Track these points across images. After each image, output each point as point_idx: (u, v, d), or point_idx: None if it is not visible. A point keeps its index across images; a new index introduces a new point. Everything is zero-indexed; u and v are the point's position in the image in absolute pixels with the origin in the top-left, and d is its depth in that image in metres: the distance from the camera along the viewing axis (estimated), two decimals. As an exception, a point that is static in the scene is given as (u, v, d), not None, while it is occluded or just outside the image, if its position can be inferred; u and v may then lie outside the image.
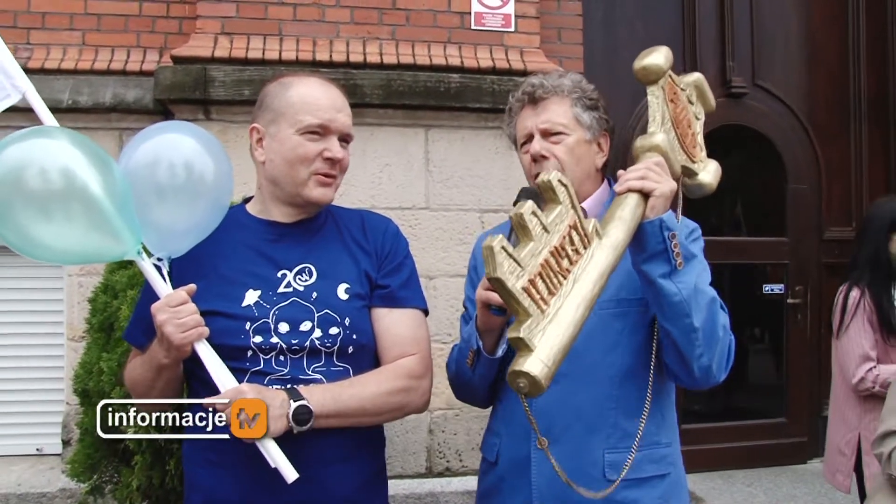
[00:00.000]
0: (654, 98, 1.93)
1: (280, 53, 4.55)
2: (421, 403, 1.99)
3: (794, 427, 5.71)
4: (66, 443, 4.50)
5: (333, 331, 1.88)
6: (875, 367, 3.66)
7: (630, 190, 1.76)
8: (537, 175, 1.95)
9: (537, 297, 1.48)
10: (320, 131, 1.93)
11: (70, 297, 4.67)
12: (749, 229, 6.18)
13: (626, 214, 1.72)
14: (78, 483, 3.40)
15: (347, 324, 1.90)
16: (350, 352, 1.90)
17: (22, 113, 2.03)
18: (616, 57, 5.60)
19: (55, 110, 1.94)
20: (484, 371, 1.97)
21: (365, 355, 1.95)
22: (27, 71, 1.99)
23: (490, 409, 2.18)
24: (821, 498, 4.99)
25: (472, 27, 4.85)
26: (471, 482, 4.46)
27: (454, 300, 4.56)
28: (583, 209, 1.67)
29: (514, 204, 1.86)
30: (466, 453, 4.60)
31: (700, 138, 2.10)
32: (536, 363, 1.43)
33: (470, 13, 4.85)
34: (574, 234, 1.60)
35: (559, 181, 1.59)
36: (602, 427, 1.90)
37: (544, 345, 1.46)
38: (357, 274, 1.97)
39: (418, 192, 4.65)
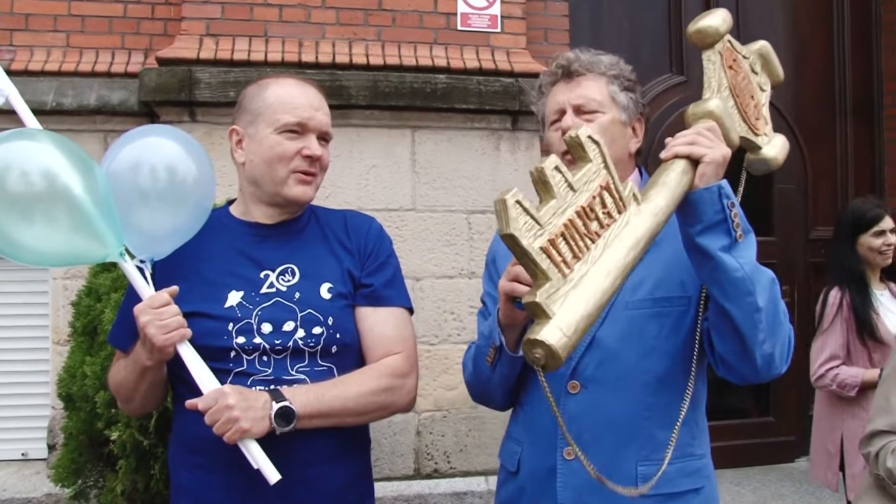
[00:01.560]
0: (710, 63, 1.78)
1: (266, 55, 4.54)
2: (406, 402, 1.98)
3: (782, 426, 5.73)
4: (51, 447, 4.47)
5: (317, 330, 1.87)
6: (837, 366, 3.68)
7: (677, 156, 1.60)
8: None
9: (558, 259, 1.33)
10: (298, 130, 1.93)
11: (55, 300, 4.65)
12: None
13: (670, 180, 1.56)
14: (63, 488, 3.37)
15: (331, 323, 1.89)
16: (334, 351, 1.89)
17: (3, 115, 2.01)
18: (603, 58, 5.59)
19: (39, 112, 1.94)
20: (506, 370, 1.85)
21: (349, 355, 1.94)
22: (10, 73, 1.99)
23: (509, 412, 2.06)
24: (808, 497, 5.00)
25: (459, 28, 4.85)
26: (459, 484, 4.45)
27: (441, 301, 4.55)
28: None
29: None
30: (454, 455, 4.59)
31: (765, 111, 1.92)
32: (554, 332, 1.28)
33: (456, 14, 4.84)
34: (606, 195, 1.44)
35: (589, 137, 1.44)
36: (635, 438, 1.76)
37: (565, 312, 1.31)
38: (340, 273, 1.96)
39: (405, 194, 4.64)
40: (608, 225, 1.44)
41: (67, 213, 1.71)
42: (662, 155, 1.62)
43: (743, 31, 5.86)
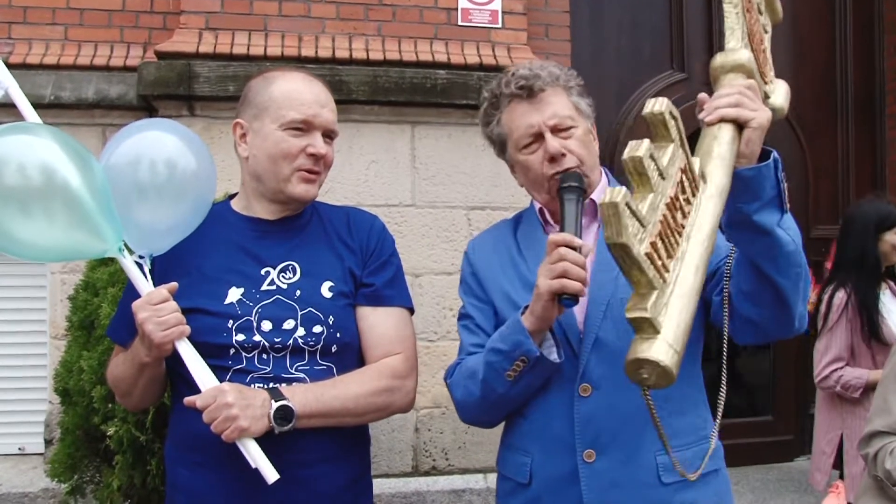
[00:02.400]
0: (732, 7, 1.62)
1: (265, 49, 4.52)
2: (405, 403, 1.97)
3: (781, 425, 5.73)
4: (48, 442, 4.45)
5: (317, 329, 1.86)
6: (841, 368, 3.67)
7: (723, 120, 1.47)
8: (553, 175, 1.84)
9: (659, 263, 1.19)
10: (304, 127, 1.90)
11: (53, 294, 4.63)
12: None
13: (723, 152, 1.43)
14: (59, 483, 3.36)
15: (331, 322, 1.87)
16: (334, 350, 1.88)
17: (2, 108, 1.99)
18: (603, 54, 5.59)
19: (37, 106, 1.92)
20: (535, 381, 1.79)
21: (349, 354, 1.92)
22: (8, 66, 1.97)
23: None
24: (807, 496, 4.99)
25: (459, 23, 4.83)
26: (457, 481, 4.44)
27: (440, 298, 4.53)
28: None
29: (559, 192, 1.76)
30: (453, 452, 4.58)
31: (769, 55, 1.80)
32: (665, 349, 1.15)
33: (456, 9, 4.82)
34: (684, 179, 1.30)
35: (671, 113, 1.29)
36: (650, 430, 1.68)
37: (669, 323, 1.17)
38: (342, 272, 1.94)
39: (405, 189, 4.63)
40: (689, 213, 1.31)
41: (66, 207, 1.69)
42: (706, 118, 1.51)
43: (744, 29, 5.85)
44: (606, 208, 1.12)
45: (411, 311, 2.05)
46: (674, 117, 1.30)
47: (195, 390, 1.75)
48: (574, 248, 1.64)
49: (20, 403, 4.81)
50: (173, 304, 1.76)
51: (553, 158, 1.85)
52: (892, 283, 3.95)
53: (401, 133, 4.64)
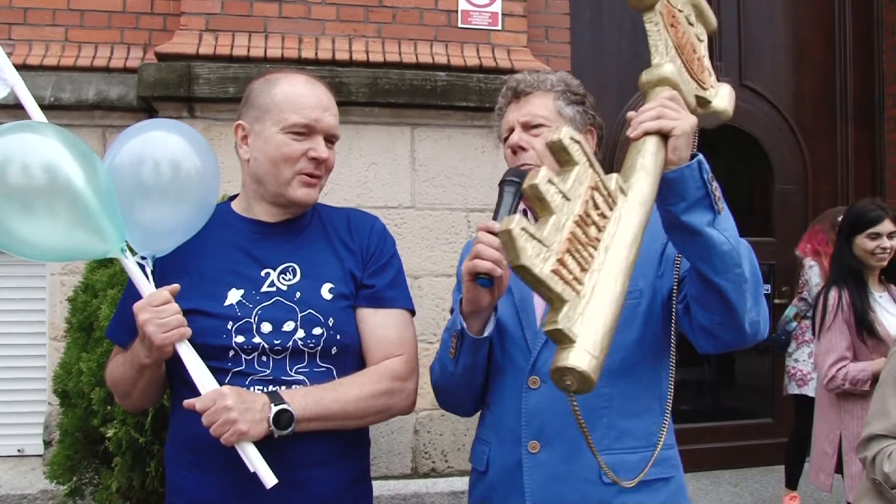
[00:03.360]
0: (653, 25, 1.70)
1: (265, 51, 4.52)
2: (406, 406, 1.95)
3: (781, 427, 5.71)
4: (47, 444, 4.46)
5: (317, 331, 1.85)
6: (845, 365, 3.66)
7: (647, 133, 1.55)
8: (519, 167, 1.91)
9: (570, 277, 1.27)
10: (306, 131, 1.89)
11: (52, 295, 4.64)
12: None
13: (647, 163, 1.51)
14: (58, 485, 3.36)
15: (331, 324, 1.86)
16: (334, 352, 1.87)
17: (5, 110, 1.99)
18: (603, 56, 5.59)
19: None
20: (468, 358, 1.86)
21: (349, 356, 1.92)
22: (9, 67, 1.96)
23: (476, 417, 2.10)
24: (807, 498, 5.00)
25: (459, 25, 4.83)
26: (456, 483, 4.44)
27: (440, 300, 4.54)
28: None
29: (500, 183, 1.81)
30: (452, 454, 4.58)
31: (707, 61, 1.88)
32: (582, 355, 1.22)
33: (457, 11, 4.83)
34: (597, 195, 1.39)
35: (571, 138, 1.37)
36: (595, 427, 1.77)
37: (586, 331, 1.25)
38: (342, 273, 1.94)
39: (404, 191, 4.63)
40: (604, 227, 1.39)
41: (68, 207, 1.68)
42: (631, 134, 1.58)
43: (744, 30, 5.87)
44: (502, 235, 1.22)
45: (412, 312, 2.04)
46: (575, 141, 1.37)
47: (195, 392, 1.74)
48: (496, 234, 1.67)
49: (19, 405, 4.82)
50: (175, 306, 1.75)
51: (514, 150, 1.97)
52: (892, 287, 3.94)
53: (400, 135, 4.65)
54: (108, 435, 3.02)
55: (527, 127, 1.96)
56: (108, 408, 3.02)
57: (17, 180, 1.65)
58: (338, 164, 2.02)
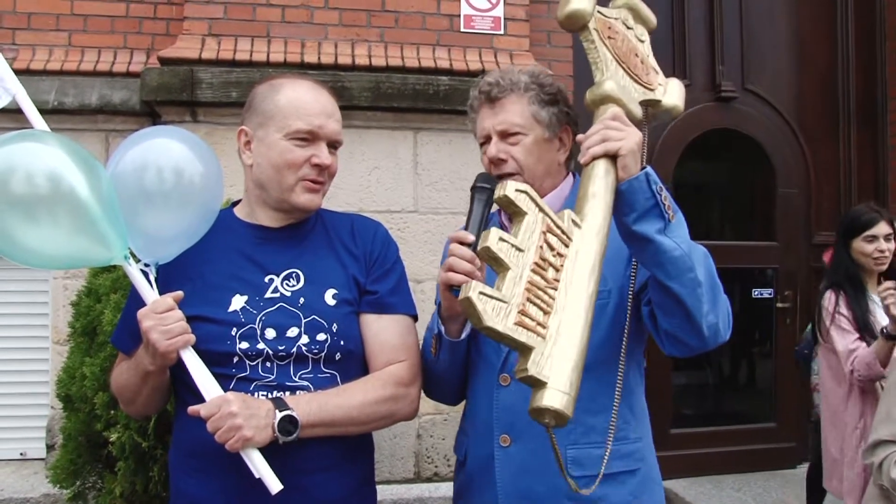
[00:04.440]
0: (589, 44, 1.77)
1: (268, 55, 4.52)
2: (410, 411, 1.96)
3: (784, 432, 5.71)
4: (50, 447, 4.46)
5: (321, 337, 1.85)
6: (855, 354, 3.66)
7: (595, 158, 1.65)
8: (497, 177, 1.96)
9: (533, 324, 1.39)
10: (309, 137, 1.89)
11: (55, 299, 4.64)
12: (738, 233, 6.19)
13: (598, 189, 1.61)
14: (61, 489, 3.36)
15: (335, 330, 1.87)
16: (337, 358, 1.87)
17: (8, 114, 1.99)
18: (606, 60, 5.57)
19: (40, 111, 1.91)
20: (447, 356, 1.95)
21: (353, 362, 1.92)
22: (12, 72, 1.96)
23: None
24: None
25: (462, 30, 4.84)
26: (459, 487, 4.43)
27: (443, 304, 4.53)
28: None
29: (472, 189, 1.86)
30: (455, 458, 4.57)
31: (651, 60, 1.95)
32: (554, 395, 1.34)
33: (459, 16, 4.83)
34: (551, 237, 1.50)
35: (516, 190, 1.48)
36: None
37: (556, 371, 1.37)
38: (345, 279, 1.94)
39: (407, 196, 4.63)
40: (562, 265, 1.49)
41: (72, 215, 1.69)
42: (581, 160, 1.68)
43: (746, 34, 5.86)
44: (462, 303, 1.35)
45: (415, 318, 2.04)
46: (521, 191, 1.48)
47: (199, 398, 1.74)
48: (468, 244, 1.75)
49: (22, 408, 4.82)
50: (178, 313, 1.75)
51: (493, 162, 2.00)
52: None
53: (403, 139, 4.65)
54: (111, 439, 3.02)
55: (504, 136, 1.99)
56: (112, 412, 3.02)
57: (21, 189, 1.65)
58: (340, 168, 2.02)
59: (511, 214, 1.52)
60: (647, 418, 2.04)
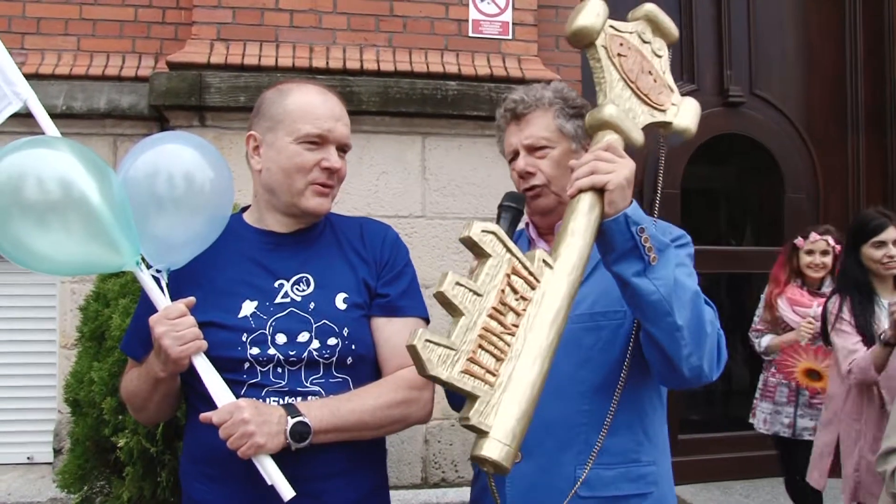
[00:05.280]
0: (595, 62, 1.70)
1: (276, 60, 4.53)
2: (423, 415, 1.94)
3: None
4: (57, 451, 4.46)
5: (332, 341, 1.84)
6: (854, 357, 3.66)
7: (581, 190, 1.59)
8: (524, 190, 1.99)
9: (481, 372, 1.35)
10: (318, 141, 1.89)
11: (63, 304, 4.64)
12: (746, 238, 6.18)
13: (578, 226, 1.55)
14: (68, 494, 3.35)
15: (346, 334, 1.86)
16: (349, 363, 1.86)
17: (18, 118, 1.99)
18: (613, 65, 5.57)
19: (49, 116, 1.91)
20: None
21: (364, 366, 1.91)
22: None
23: None
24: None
25: (470, 35, 4.84)
26: (466, 493, 4.41)
27: (451, 309, 4.52)
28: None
29: (498, 207, 1.89)
30: (462, 464, 4.57)
31: (667, 77, 1.85)
32: (494, 446, 1.31)
33: (467, 21, 4.84)
34: (515, 280, 1.43)
35: (482, 231, 1.43)
36: (573, 443, 1.84)
37: (500, 421, 1.33)
38: (355, 283, 1.93)
39: (415, 200, 4.63)
40: (524, 310, 1.43)
41: (83, 221, 1.69)
42: (568, 192, 1.63)
43: (754, 39, 5.86)
44: (408, 350, 1.32)
45: (427, 321, 2.03)
46: (488, 232, 1.43)
47: (210, 404, 1.74)
48: None
49: (29, 412, 4.83)
50: (191, 319, 1.75)
51: (521, 176, 1.99)
52: None
53: (411, 144, 4.65)
54: (119, 444, 3.01)
55: (531, 149, 1.99)
56: (120, 417, 3.01)
57: (33, 195, 1.66)
58: (348, 173, 2.02)
59: (476, 256, 1.48)
60: (665, 444, 2.00)
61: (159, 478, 3.02)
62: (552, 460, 1.84)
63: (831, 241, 4.60)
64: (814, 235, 4.63)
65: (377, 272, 1.97)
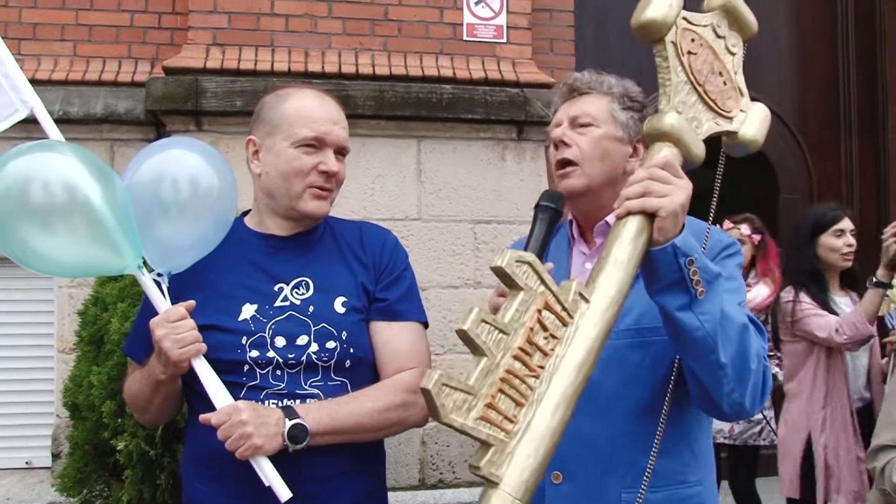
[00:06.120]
0: (662, 61, 1.51)
1: (272, 64, 4.55)
2: (421, 418, 1.94)
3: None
4: (55, 456, 4.47)
5: (330, 345, 1.86)
6: (839, 321, 3.63)
7: (630, 212, 1.43)
8: (560, 161, 1.84)
9: (499, 419, 1.24)
10: (316, 144, 1.90)
11: (61, 308, 4.65)
12: (741, 239, 6.20)
13: (622, 255, 1.40)
14: (67, 497, 3.37)
15: (344, 338, 1.87)
16: (347, 366, 1.88)
17: (18, 124, 2.02)
18: (608, 68, 5.58)
19: (48, 122, 1.94)
20: None
21: (363, 369, 1.92)
22: (17, 82, 1.99)
23: None
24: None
25: (465, 38, 4.86)
26: (464, 494, 4.44)
27: (447, 311, 4.55)
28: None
29: (535, 208, 1.71)
30: (459, 465, 4.58)
31: (738, 79, 1.65)
32: (503, 499, 1.22)
33: (462, 24, 4.86)
34: (547, 315, 1.30)
35: (516, 262, 1.28)
36: (618, 465, 1.72)
37: (512, 472, 1.23)
38: (354, 287, 1.94)
39: (410, 203, 4.65)
40: (552, 350, 1.31)
41: (87, 224, 1.72)
42: (615, 211, 1.48)
43: (748, 44, 5.88)
44: (423, 393, 1.20)
45: (425, 325, 2.04)
46: (524, 262, 1.29)
47: (210, 406, 1.75)
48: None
49: (27, 417, 4.84)
50: (191, 322, 1.76)
51: (556, 145, 1.87)
52: (853, 294, 3.94)
53: (406, 147, 4.67)
54: (118, 447, 3.03)
55: (574, 123, 1.86)
56: (119, 420, 3.03)
57: (38, 198, 1.69)
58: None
59: (508, 287, 1.32)
60: (711, 460, 1.88)
61: (158, 481, 3.03)
62: (595, 483, 1.74)
63: (745, 230, 4.53)
64: (727, 223, 4.55)
65: (376, 276, 1.98)
